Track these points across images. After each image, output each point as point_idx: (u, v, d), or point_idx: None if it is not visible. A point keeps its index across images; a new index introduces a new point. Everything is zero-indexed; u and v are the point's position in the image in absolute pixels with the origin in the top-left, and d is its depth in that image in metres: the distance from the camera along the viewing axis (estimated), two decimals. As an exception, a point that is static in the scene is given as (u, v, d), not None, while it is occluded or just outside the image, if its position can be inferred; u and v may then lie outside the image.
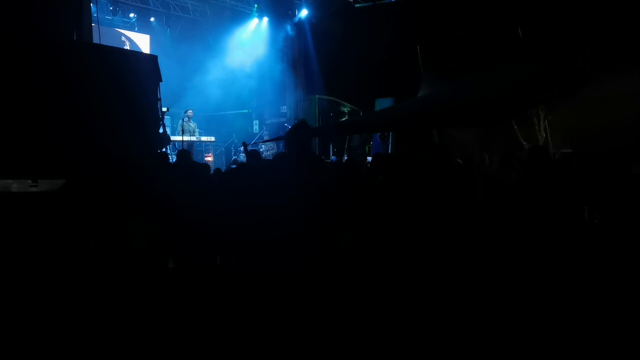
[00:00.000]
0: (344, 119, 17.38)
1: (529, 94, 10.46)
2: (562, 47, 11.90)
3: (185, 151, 10.64)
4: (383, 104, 15.98)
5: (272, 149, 17.86)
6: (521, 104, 10.62)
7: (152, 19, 19.00)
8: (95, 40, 12.22)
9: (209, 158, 16.85)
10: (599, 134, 11.43)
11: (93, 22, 12.81)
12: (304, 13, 19.23)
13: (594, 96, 11.65)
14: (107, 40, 14.26)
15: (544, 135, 13.27)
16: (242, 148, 17.12)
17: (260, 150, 16.54)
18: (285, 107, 20.01)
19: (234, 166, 11.18)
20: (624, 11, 11.20)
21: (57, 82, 8.19)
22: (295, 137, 5.13)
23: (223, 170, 10.05)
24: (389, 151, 14.07)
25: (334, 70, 18.52)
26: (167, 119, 13.70)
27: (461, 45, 14.08)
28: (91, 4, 12.81)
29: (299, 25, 19.58)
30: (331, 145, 16.91)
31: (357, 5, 18.08)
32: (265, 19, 19.84)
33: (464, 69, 13.54)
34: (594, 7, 11.63)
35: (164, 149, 11.34)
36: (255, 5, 19.19)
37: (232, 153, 18.07)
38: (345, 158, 14.82)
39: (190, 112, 16.24)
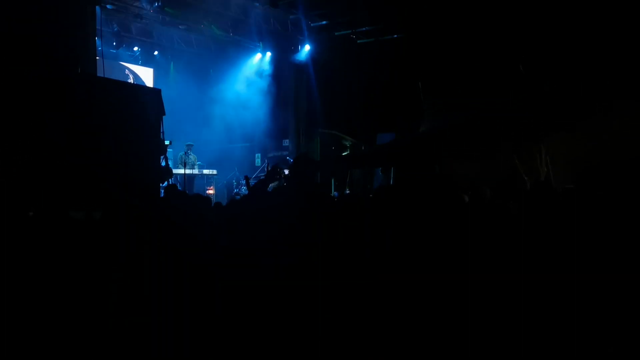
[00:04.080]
0: (345, 153, 17.42)
1: (531, 129, 10.51)
2: (562, 81, 11.98)
3: (173, 186, 10.71)
4: (385, 138, 16.04)
5: (274, 183, 17.86)
6: (523, 138, 10.67)
7: (155, 53, 19.18)
8: (100, 73, 12.33)
9: (211, 191, 16.86)
10: (600, 168, 11.42)
11: (97, 56, 12.92)
12: (306, 48, 19.41)
13: (595, 130, 11.68)
14: (111, 74, 14.41)
15: (545, 169, 13.27)
16: (244, 181, 17.20)
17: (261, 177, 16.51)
18: (287, 140, 20.09)
19: (238, 197, 11.18)
20: (625, 46, 11.30)
21: (60, 114, 8.25)
22: (298, 170, 5.14)
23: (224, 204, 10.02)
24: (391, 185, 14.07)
25: (336, 105, 18.62)
26: (169, 152, 13.73)
27: (463, 81, 14.18)
28: (96, 38, 12.96)
29: (301, 60, 19.74)
30: (332, 179, 16.91)
31: (359, 41, 18.25)
32: (269, 54, 20.03)
33: (466, 105, 13.61)
34: (594, 42, 11.73)
35: (165, 182, 11.39)
36: (260, 43, 19.38)
37: (234, 186, 18.10)
38: (347, 192, 14.80)
39: (190, 146, 16.33)
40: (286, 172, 14.90)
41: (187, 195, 6.82)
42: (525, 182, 12.62)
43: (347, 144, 17.33)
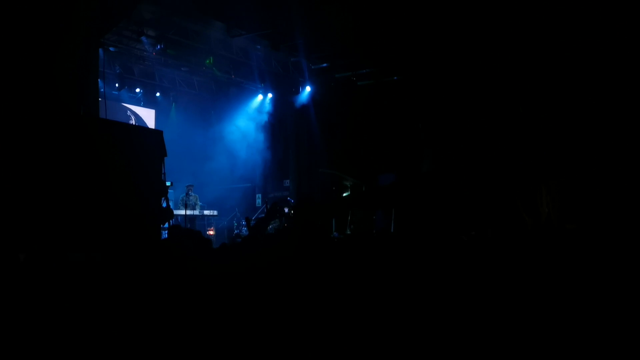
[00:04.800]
0: (346, 194, 17.41)
1: (532, 173, 10.53)
2: (561, 124, 12.03)
3: (177, 226, 10.68)
4: (386, 179, 16.04)
5: (275, 222, 17.82)
6: (524, 180, 10.68)
7: (157, 94, 19.31)
8: (102, 114, 12.40)
9: (211, 232, 16.82)
10: (603, 209, 11.42)
11: (100, 97, 13.00)
12: (307, 89, 19.56)
13: (595, 170, 11.71)
14: (113, 115, 14.49)
15: (547, 209, 13.26)
16: (244, 222, 17.17)
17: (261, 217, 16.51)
18: (287, 180, 20.10)
19: (239, 240, 11.14)
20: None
21: (62, 155, 8.25)
22: (300, 212, 5.12)
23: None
24: (392, 227, 14.03)
25: (336, 145, 18.69)
26: (170, 193, 13.73)
27: (463, 122, 14.25)
28: (99, 79, 13.05)
29: (302, 101, 19.87)
30: (333, 220, 16.87)
31: (359, 83, 18.40)
32: (270, 95, 20.18)
33: (466, 146, 13.66)
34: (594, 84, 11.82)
35: (166, 224, 11.35)
36: (261, 84, 19.55)
37: (235, 227, 18.04)
38: (348, 233, 14.76)
39: (191, 187, 16.34)
40: (286, 210, 14.90)
41: (191, 232, 6.78)
42: (527, 223, 12.61)
43: (348, 184, 17.34)
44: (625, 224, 10.07)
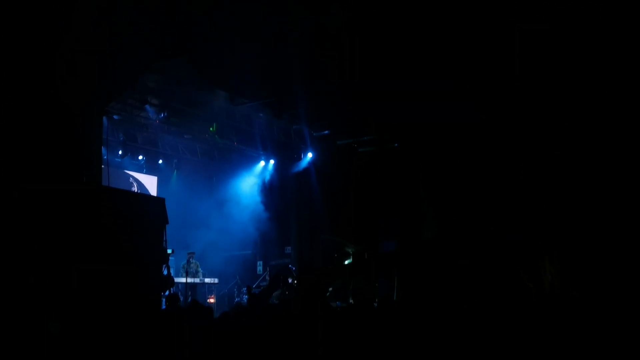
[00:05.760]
0: (348, 260, 17.31)
1: (535, 240, 10.50)
2: (563, 188, 12.05)
3: (174, 295, 10.63)
4: (387, 245, 15.97)
5: (277, 291, 17.68)
6: (527, 248, 10.64)
7: (160, 161, 19.42)
8: (104, 181, 12.44)
9: (212, 300, 16.65)
10: (604, 278, 11.32)
11: (103, 164, 13.09)
12: (309, 156, 19.70)
13: (597, 237, 11.65)
14: (115, 182, 14.55)
15: (549, 277, 13.14)
16: (245, 289, 17.03)
17: (264, 287, 16.39)
18: (289, 247, 20.01)
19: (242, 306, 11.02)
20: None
21: (63, 224, 8.25)
22: (302, 284, 5.08)
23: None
24: (395, 295, 13.88)
25: (338, 211, 18.69)
26: (171, 260, 13.66)
27: (464, 188, 14.28)
28: (102, 147, 13.17)
29: (304, 167, 19.99)
30: (335, 287, 16.72)
31: (360, 150, 18.54)
32: (272, 161, 20.32)
33: (468, 212, 13.65)
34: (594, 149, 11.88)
35: (167, 292, 11.27)
36: (263, 151, 19.70)
37: (235, 295, 17.88)
38: (350, 301, 14.59)
39: (192, 254, 16.27)
40: (290, 280, 14.79)
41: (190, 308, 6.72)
42: (530, 291, 12.47)
43: (350, 250, 17.24)
44: (629, 292, 9.96)
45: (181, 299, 13.24)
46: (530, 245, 10.59)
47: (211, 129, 17.90)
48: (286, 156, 20.16)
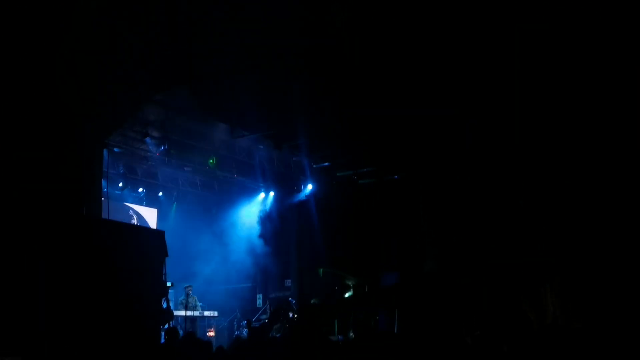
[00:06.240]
0: (348, 294, 17.20)
1: (536, 270, 10.44)
2: (564, 218, 12.02)
3: (173, 329, 10.55)
4: (388, 277, 15.89)
5: (277, 324, 17.54)
6: (529, 279, 10.59)
7: (160, 194, 19.41)
8: (104, 214, 12.42)
9: (211, 333, 16.51)
10: (606, 308, 11.23)
11: (103, 197, 13.08)
12: (309, 188, 19.70)
13: (598, 267, 11.59)
14: (115, 214, 14.51)
15: (552, 308, 13.04)
16: (245, 323, 16.89)
17: (265, 321, 16.27)
18: (289, 280, 19.90)
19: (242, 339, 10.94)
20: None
21: (62, 257, 8.21)
22: (304, 320, 5.03)
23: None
24: (396, 328, 13.78)
25: (338, 244, 18.63)
26: (170, 293, 13.57)
27: (464, 218, 14.26)
28: (102, 180, 13.16)
29: (304, 199, 19.98)
30: (336, 321, 16.57)
31: (360, 182, 18.54)
32: (272, 193, 20.30)
33: (468, 243, 13.61)
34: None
35: (166, 325, 11.18)
36: (263, 183, 19.71)
37: (235, 328, 17.74)
38: (351, 335, 14.46)
39: (189, 289, 16.17)
40: (290, 315, 14.67)
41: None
42: (532, 322, 12.38)
43: (351, 283, 17.16)
44: (632, 322, 9.88)
45: (180, 332, 13.13)
46: (531, 275, 10.53)
47: (210, 161, 17.91)
48: (286, 188, 20.16)
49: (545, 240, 11.88)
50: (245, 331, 16.39)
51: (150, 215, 19.42)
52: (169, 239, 10.40)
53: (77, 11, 9.42)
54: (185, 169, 18.75)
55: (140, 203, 19.22)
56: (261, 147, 17.74)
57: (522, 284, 10.58)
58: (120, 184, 17.65)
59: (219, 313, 16.98)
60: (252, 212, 20.43)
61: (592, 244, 10.61)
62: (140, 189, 18.81)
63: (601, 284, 11.80)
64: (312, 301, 16.21)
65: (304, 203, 20.04)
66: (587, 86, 11.20)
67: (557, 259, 10.62)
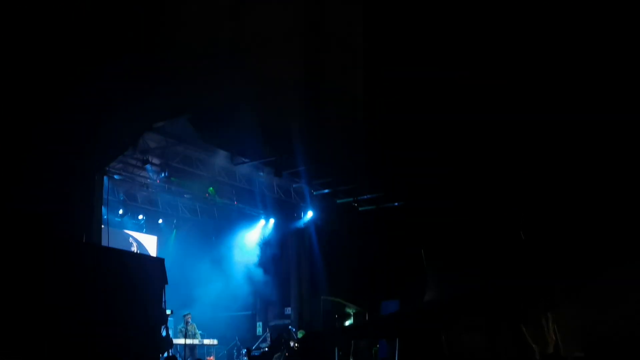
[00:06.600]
0: (349, 322, 17.11)
1: (536, 298, 10.41)
2: (564, 247, 11.99)
3: (173, 357, 10.53)
4: (389, 305, 15.80)
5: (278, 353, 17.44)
6: (529, 307, 10.54)
7: (160, 221, 19.40)
8: (104, 241, 12.42)
9: (211, 361, 16.43)
10: (609, 335, 11.17)
11: (103, 224, 13.09)
12: (309, 215, 19.69)
13: (601, 294, 11.54)
14: (115, 241, 14.51)
15: (554, 337, 12.95)
16: (244, 350, 16.77)
17: (265, 349, 16.17)
18: (289, 308, 19.79)
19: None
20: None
21: (62, 284, 8.20)
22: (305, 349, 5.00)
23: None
24: (396, 357, 13.68)
25: (338, 271, 18.57)
26: (170, 321, 13.50)
27: (465, 247, 14.21)
28: (102, 207, 13.18)
29: (304, 227, 19.96)
30: (336, 349, 16.45)
31: (360, 209, 18.53)
32: (272, 220, 20.28)
33: (469, 272, 13.55)
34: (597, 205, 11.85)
35: (165, 353, 11.12)
36: (263, 210, 19.71)
37: (235, 357, 17.62)
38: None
39: (188, 317, 16.08)
40: (292, 344, 14.58)
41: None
42: (533, 352, 12.29)
43: (351, 311, 17.08)
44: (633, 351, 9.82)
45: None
46: (532, 304, 10.48)
47: (210, 190, 17.94)
48: (286, 215, 20.15)
49: (546, 270, 11.84)
50: (244, 359, 16.30)
51: (150, 243, 19.40)
52: (168, 265, 10.40)
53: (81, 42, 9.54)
54: (185, 196, 18.78)
55: (140, 230, 19.22)
56: (261, 174, 17.76)
57: (524, 313, 10.51)
58: (121, 211, 17.66)
59: (218, 341, 16.90)
60: (252, 239, 20.40)
61: (594, 273, 10.57)
62: (140, 216, 18.81)
63: (603, 313, 11.75)
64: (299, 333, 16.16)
65: (304, 230, 20.02)
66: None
67: (559, 288, 10.57)
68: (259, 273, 19.61)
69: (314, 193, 19.09)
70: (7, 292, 7.56)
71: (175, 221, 19.69)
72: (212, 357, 16.68)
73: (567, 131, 11.81)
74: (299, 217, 20.03)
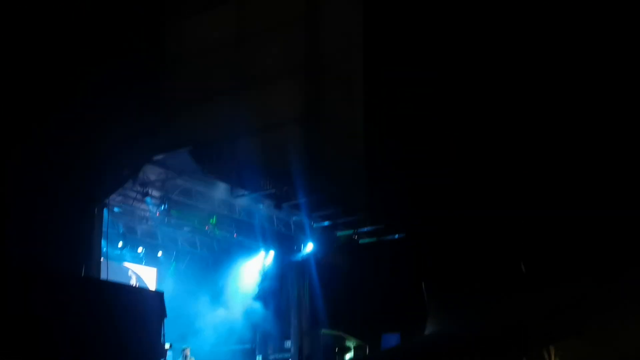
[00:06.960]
0: (349, 355, 16.95)
1: (538, 334, 10.35)
2: (566, 282, 11.95)
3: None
4: (389, 339, 15.69)
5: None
6: (531, 340, 10.46)
7: (159, 254, 19.34)
8: (103, 274, 12.38)
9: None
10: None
11: (102, 256, 13.05)
12: (309, 247, 19.61)
13: (603, 332, 11.46)
14: (114, 274, 14.46)
15: (556, 370, 12.84)
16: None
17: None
18: (289, 342, 19.60)
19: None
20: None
21: (61, 319, 8.17)
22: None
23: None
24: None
25: (339, 304, 18.45)
26: (169, 355, 13.38)
27: (466, 280, 14.15)
28: (102, 239, 13.17)
29: (304, 259, 19.86)
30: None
31: (361, 242, 18.49)
32: (272, 253, 20.19)
33: (470, 305, 13.48)
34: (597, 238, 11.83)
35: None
36: (263, 243, 19.65)
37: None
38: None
39: (187, 351, 15.91)
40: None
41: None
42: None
43: (351, 345, 16.94)
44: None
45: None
46: (534, 336, 10.40)
47: (211, 220, 17.93)
48: (286, 247, 20.06)
49: (547, 302, 11.78)
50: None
51: (149, 275, 19.31)
52: (167, 298, 10.37)
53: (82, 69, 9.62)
54: (184, 228, 18.76)
55: (139, 262, 19.14)
56: (261, 206, 17.74)
57: (525, 346, 10.42)
58: (120, 244, 17.60)
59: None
60: (251, 271, 20.28)
61: (594, 306, 10.52)
62: (140, 249, 18.75)
63: (603, 346, 11.67)
64: None
65: (304, 262, 19.91)
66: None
67: (560, 320, 10.50)
68: (258, 306, 19.47)
69: (314, 225, 19.03)
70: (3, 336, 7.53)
71: (174, 254, 19.62)
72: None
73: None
74: (299, 250, 19.93)
